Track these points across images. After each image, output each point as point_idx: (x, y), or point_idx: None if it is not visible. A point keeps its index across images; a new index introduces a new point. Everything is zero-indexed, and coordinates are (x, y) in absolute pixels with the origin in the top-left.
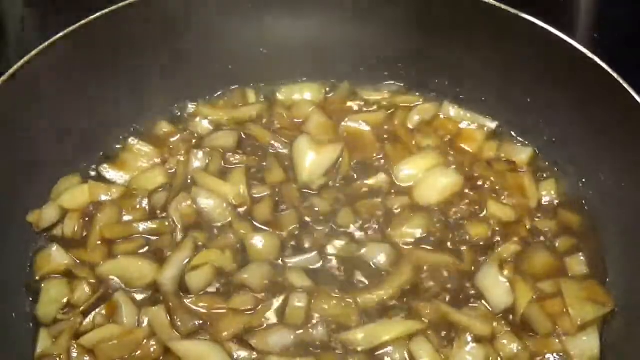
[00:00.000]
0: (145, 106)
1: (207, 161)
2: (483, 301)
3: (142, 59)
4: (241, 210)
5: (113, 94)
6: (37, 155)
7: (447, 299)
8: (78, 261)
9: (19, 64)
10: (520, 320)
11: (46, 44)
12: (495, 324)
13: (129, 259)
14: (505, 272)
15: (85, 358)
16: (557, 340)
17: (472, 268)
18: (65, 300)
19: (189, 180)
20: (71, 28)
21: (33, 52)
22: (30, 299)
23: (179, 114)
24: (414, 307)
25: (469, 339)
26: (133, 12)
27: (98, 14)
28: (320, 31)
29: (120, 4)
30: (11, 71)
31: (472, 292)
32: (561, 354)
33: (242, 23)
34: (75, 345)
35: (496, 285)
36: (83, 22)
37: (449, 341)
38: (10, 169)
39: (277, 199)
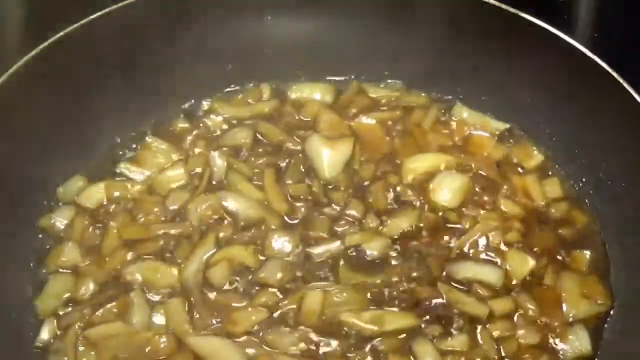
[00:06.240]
0: (159, 103)
1: (226, 162)
2: (477, 286)
3: (152, 57)
4: (273, 211)
5: (121, 92)
6: (39, 155)
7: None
8: (90, 260)
9: (19, 63)
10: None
11: (46, 43)
12: (493, 305)
13: (147, 261)
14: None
15: (92, 353)
16: (550, 334)
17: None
18: (67, 296)
19: (213, 182)
20: (72, 27)
21: (33, 52)
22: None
23: (193, 111)
24: (415, 291)
25: (464, 323)
26: (138, 10)
27: (100, 13)
28: (323, 31)
29: (124, 3)
30: (11, 71)
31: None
32: (553, 350)
33: (248, 23)
34: (82, 339)
35: (482, 265)
36: (83, 21)
37: (447, 333)
38: (12, 169)
39: (302, 197)
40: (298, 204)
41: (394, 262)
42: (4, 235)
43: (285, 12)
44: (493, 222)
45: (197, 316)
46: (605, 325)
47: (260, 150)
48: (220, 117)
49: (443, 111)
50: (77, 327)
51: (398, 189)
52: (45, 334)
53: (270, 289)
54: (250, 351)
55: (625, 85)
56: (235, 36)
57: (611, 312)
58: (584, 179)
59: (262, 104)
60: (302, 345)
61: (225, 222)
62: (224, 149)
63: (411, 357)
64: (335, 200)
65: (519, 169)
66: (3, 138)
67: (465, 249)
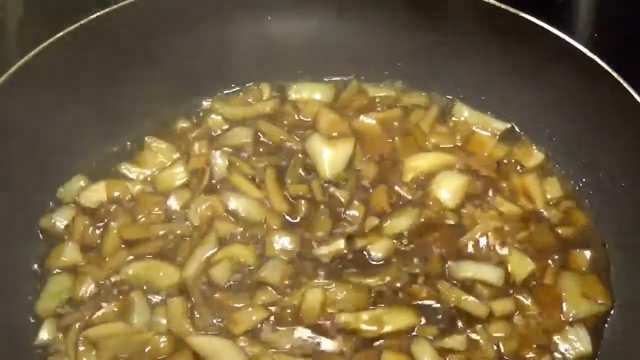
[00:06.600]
0: (159, 103)
1: (227, 162)
2: (477, 285)
3: (153, 57)
4: (274, 210)
5: (122, 92)
6: (40, 155)
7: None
8: (91, 260)
9: (19, 63)
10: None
11: (46, 43)
12: (494, 306)
13: (147, 261)
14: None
15: (92, 353)
16: (550, 334)
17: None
18: (67, 296)
19: (213, 181)
20: (71, 27)
21: (33, 52)
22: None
23: (193, 110)
24: (415, 290)
25: (464, 323)
26: (138, 10)
27: (100, 13)
28: (323, 31)
29: (124, 3)
30: (11, 71)
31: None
32: (553, 350)
33: (248, 23)
34: (82, 339)
35: (482, 264)
36: (83, 21)
37: (447, 332)
38: (12, 169)
39: (303, 197)
40: (299, 204)
41: (394, 262)
42: (4, 236)
43: (285, 12)
44: (493, 221)
45: (198, 316)
46: (605, 325)
47: (261, 149)
48: (221, 116)
49: (443, 111)
50: (77, 327)
51: (398, 188)
52: (45, 334)
53: (270, 289)
54: (251, 351)
55: (625, 85)
56: (235, 36)
57: (611, 312)
58: (584, 179)
59: (263, 104)
60: (302, 344)
61: (226, 221)
62: (225, 148)
63: (410, 356)
64: (335, 200)
65: (519, 168)
66: (3, 138)
67: (466, 249)
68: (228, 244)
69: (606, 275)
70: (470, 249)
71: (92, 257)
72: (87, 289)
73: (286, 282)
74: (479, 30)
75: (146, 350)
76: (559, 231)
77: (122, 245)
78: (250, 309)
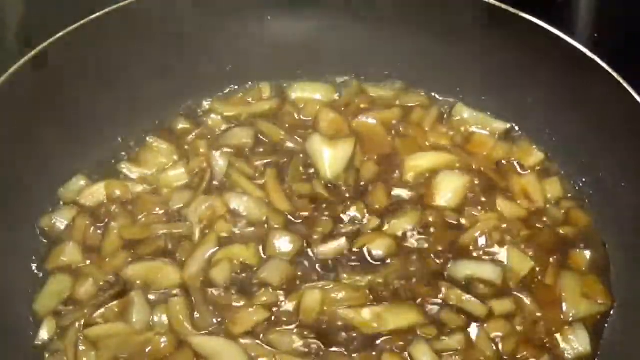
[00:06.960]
0: (159, 103)
1: (228, 162)
2: (477, 285)
3: (152, 57)
4: (275, 210)
5: (122, 92)
6: (40, 155)
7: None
8: (90, 260)
9: (19, 63)
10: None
11: (46, 43)
12: (494, 306)
13: (148, 261)
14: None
15: (92, 352)
16: (550, 334)
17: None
18: (67, 296)
19: (214, 181)
20: (72, 27)
21: (33, 52)
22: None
23: (193, 111)
24: (415, 290)
25: (463, 322)
26: (138, 10)
27: (100, 13)
28: (323, 31)
29: (124, 3)
30: (11, 71)
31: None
32: (553, 350)
33: (248, 23)
34: (82, 339)
35: (482, 263)
36: (83, 21)
37: (446, 331)
38: (13, 169)
39: (304, 197)
40: (300, 204)
41: (394, 261)
42: (4, 235)
43: (285, 12)
44: (493, 221)
45: (198, 316)
46: (605, 325)
47: (262, 149)
48: (221, 116)
49: (443, 111)
50: (77, 326)
51: (399, 188)
52: (44, 334)
53: (271, 289)
54: (251, 351)
55: (626, 85)
56: (235, 36)
57: (611, 312)
58: (584, 179)
59: (263, 104)
60: (303, 344)
61: (227, 221)
62: (225, 148)
63: (409, 355)
64: (336, 200)
65: (519, 168)
66: (4, 138)
67: (466, 248)
68: (228, 244)
69: (606, 275)
70: (470, 248)
71: (93, 257)
72: (87, 289)
73: (286, 282)
74: (479, 30)
75: (146, 350)
76: (559, 231)
77: (123, 246)
78: (250, 309)
